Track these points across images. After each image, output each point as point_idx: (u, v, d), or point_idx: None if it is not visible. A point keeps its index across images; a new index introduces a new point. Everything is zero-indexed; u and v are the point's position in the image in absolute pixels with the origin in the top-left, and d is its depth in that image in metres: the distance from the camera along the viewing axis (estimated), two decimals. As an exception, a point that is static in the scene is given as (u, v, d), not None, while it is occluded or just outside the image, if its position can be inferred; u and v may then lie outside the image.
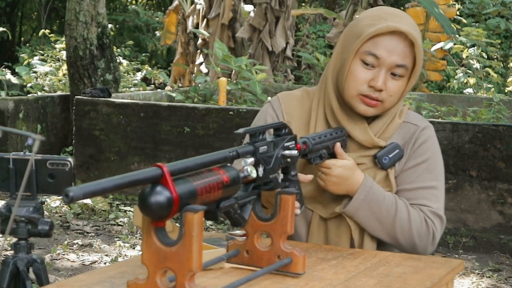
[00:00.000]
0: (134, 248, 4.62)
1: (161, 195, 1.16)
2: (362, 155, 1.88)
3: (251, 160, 1.44)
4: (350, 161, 1.81)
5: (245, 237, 1.53)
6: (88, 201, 5.38)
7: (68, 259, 4.34)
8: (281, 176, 1.64)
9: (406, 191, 1.87)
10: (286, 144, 1.60)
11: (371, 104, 1.82)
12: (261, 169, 1.48)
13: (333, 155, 1.82)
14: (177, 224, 1.70)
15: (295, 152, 1.61)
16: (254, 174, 1.44)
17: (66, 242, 4.64)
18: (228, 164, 1.37)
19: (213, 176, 1.29)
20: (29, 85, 8.76)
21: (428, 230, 1.84)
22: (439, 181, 1.89)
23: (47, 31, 11.25)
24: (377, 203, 1.81)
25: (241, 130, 1.48)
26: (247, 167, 1.43)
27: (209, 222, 5.12)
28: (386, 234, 1.84)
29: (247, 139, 1.73)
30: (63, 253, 4.46)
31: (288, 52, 10.37)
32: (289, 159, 1.63)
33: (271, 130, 1.64)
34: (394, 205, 1.83)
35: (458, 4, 12.28)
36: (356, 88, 1.82)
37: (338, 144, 1.81)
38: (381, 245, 1.91)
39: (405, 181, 1.87)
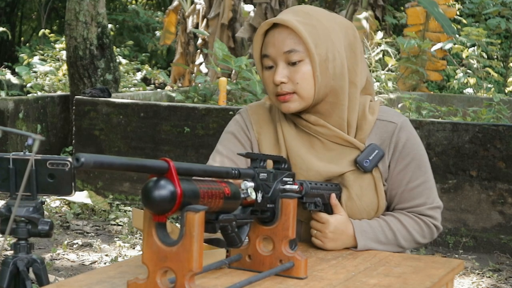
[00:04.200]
0: (134, 248, 4.62)
1: (165, 189, 1.17)
2: (344, 161, 1.85)
3: (251, 184, 1.44)
4: (344, 215, 1.81)
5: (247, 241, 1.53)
6: (88, 201, 5.37)
7: (68, 259, 4.34)
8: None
9: (405, 192, 1.88)
10: (284, 179, 1.58)
11: (285, 99, 1.82)
12: (260, 195, 1.48)
13: (326, 207, 1.80)
14: (176, 225, 1.70)
15: (295, 187, 1.60)
16: (253, 196, 1.44)
17: (66, 242, 4.64)
18: (230, 181, 1.38)
19: (216, 185, 1.30)
20: (29, 85, 8.76)
21: (429, 227, 1.89)
22: (428, 172, 1.91)
23: (47, 31, 11.26)
24: (376, 236, 1.83)
25: (243, 153, 1.53)
26: (248, 189, 1.43)
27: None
28: (395, 250, 1.87)
29: (245, 161, 1.80)
30: (63, 253, 4.46)
31: (288, 52, 10.36)
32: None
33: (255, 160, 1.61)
34: (388, 227, 1.85)
35: (458, 4, 12.27)
36: (270, 92, 1.86)
37: (333, 195, 1.80)
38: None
39: (402, 183, 1.88)
